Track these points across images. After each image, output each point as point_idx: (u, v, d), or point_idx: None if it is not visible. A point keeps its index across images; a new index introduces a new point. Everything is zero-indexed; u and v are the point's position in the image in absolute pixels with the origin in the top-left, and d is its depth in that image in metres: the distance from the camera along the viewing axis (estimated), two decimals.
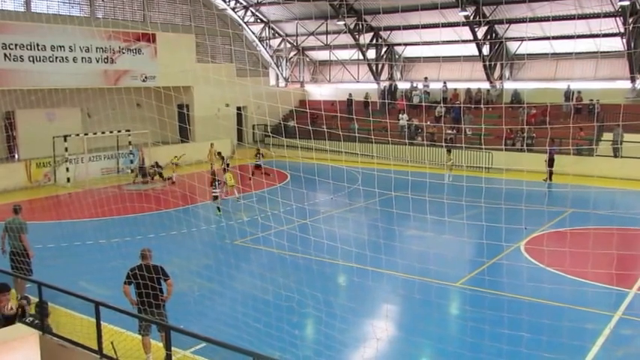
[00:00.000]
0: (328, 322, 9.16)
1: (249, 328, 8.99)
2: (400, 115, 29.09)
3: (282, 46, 36.15)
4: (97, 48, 24.50)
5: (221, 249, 14.13)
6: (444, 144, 24.77)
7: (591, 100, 26.08)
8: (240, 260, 13.31)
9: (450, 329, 9.63)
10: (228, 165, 18.18)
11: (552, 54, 27.36)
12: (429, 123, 28.89)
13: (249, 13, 34.18)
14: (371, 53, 33.24)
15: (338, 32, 32.14)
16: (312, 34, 33.86)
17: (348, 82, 35.19)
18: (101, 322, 6.62)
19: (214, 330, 8.98)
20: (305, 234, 13.05)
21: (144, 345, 8.18)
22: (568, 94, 26.72)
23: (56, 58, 23.35)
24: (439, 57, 30.36)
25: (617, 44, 25.04)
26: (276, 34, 35.61)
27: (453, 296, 11.16)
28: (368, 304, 10.63)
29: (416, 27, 28.98)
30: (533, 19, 25.54)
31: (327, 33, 32.79)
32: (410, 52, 32.87)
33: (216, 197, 17.26)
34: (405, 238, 15.03)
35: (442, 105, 28.82)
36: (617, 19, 24.21)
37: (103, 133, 24.08)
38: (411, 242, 14.41)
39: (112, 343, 6.81)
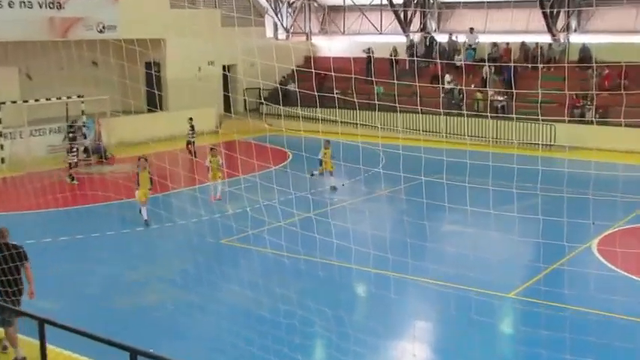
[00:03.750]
0: (340, 346, 9.22)
1: (237, 352, 9.06)
2: (445, 77, 28.89)
3: None
4: None
5: (202, 250, 14.22)
6: (489, 114, 24.62)
7: None
8: (226, 265, 13.41)
9: (499, 355, 9.68)
10: (212, 149, 18.06)
11: None
12: (473, 87, 28.71)
13: None
14: None
15: None
16: None
17: (367, 34, 34.96)
18: (46, 344, 6.63)
19: (193, 355, 9.05)
20: (309, 231, 12.99)
21: (9, 338, 8.75)
22: None
23: None
24: (484, 1, 30.05)
25: None
26: None
27: (502, 312, 11.19)
28: (391, 323, 10.67)
29: None
30: None
31: None
32: None
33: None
34: (440, 236, 15.05)
35: (489, 64, 28.61)
36: None
37: (48, 99, 23.96)
38: (447, 241, 14.46)
39: None
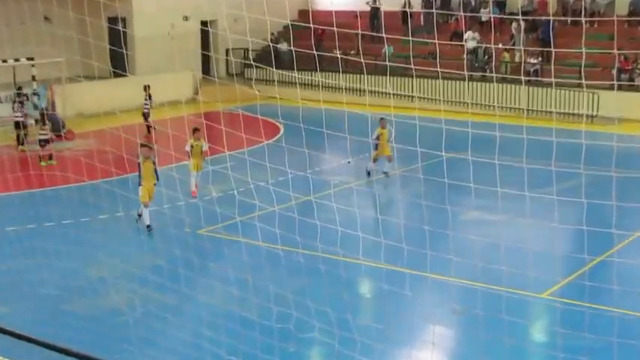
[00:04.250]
0: (344, 354, 9.23)
1: None
2: (468, 34, 28.61)
3: None
4: None
5: (178, 242, 14.09)
6: (522, 78, 24.45)
7: None
8: (207, 259, 13.37)
9: None
10: (195, 130, 17.79)
11: None
12: (501, 46, 28.50)
13: None
14: None
15: None
16: None
17: None
18: None
19: None
20: (308, 217, 12.96)
21: None
22: None
23: None
24: None
25: None
26: None
27: (537, 314, 11.40)
28: (405, 326, 10.72)
29: None
30: None
31: None
32: None
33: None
34: (463, 224, 15.00)
35: (521, 18, 28.35)
36: None
37: None
38: (471, 230, 14.46)
39: None
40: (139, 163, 15.45)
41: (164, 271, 12.51)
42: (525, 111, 23.63)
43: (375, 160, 19.28)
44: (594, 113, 24.95)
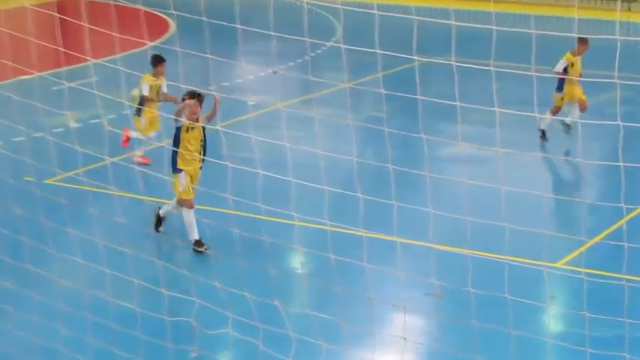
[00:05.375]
0: (271, 358, 9.51)
1: None
2: None
3: None
4: None
5: (18, 196, 13.86)
6: None
7: None
8: (60, 221, 13.10)
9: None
10: (160, 61, 17.08)
11: None
12: None
13: None
14: None
15: None
16: None
17: None
18: None
19: None
20: (213, 156, 13.22)
21: None
22: None
23: None
24: None
25: None
26: None
27: (550, 291, 11.75)
28: (360, 315, 10.97)
29: None
30: None
31: None
32: None
33: None
34: (443, 164, 15.10)
35: None
36: None
37: None
38: (455, 172, 14.61)
39: None
40: (178, 130, 13.97)
41: None
42: None
43: (556, 111, 17.39)
44: None
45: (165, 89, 17.07)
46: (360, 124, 16.92)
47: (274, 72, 19.44)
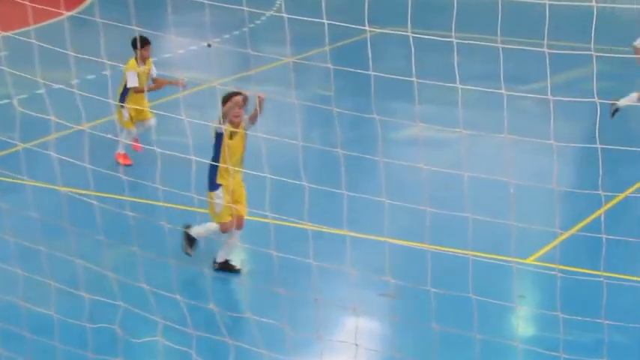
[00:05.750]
0: None
1: None
2: None
3: None
4: None
5: None
6: None
7: None
8: None
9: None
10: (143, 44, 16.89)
11: None
12: None
13: None
14: None
15: None
16: None
17: None
18: None
19: None
20: (140, 140, 12.74)
21: None
22: None
23: None
24: None
25: None
26: None
27: (518, 287, 11.88)
28: (305, 320, 11.07)
29: None
30: None
31: None
32: None
33: None
34: (398, 147, 15.07)
35: None
36: None
37: None
38: (412, 157, 14.74)
39: None
40: (218, 136, 13.51)
41: None
42: None
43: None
44: None
45: (155, 73, 17.02)
46: (305, 104, 16.89)
47: (208, 45, 19.38)
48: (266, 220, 11.78)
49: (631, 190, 14.96)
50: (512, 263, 11.73)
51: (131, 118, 16.78)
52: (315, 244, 11.30)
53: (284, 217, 11.60)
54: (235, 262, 13.71)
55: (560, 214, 13.58)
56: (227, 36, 20.01)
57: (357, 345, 9.51)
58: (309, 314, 11.22)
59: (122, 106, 16.57)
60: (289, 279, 11.49)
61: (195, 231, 13.66)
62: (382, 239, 11.89)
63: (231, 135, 13.50)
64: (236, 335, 10.08)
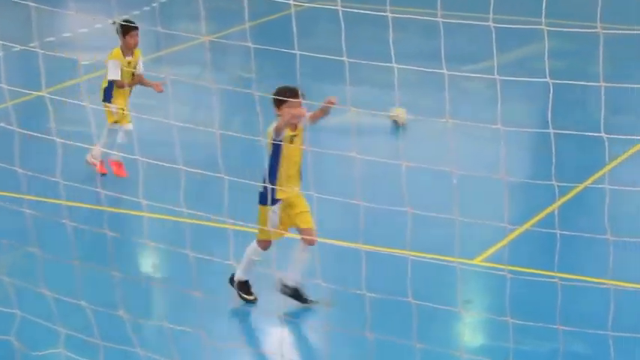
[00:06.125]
0: None
1: None
2: None
3: None
4: None
5: None
6: None
7: None
8: None
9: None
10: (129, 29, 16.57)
11: None
12: None
13: None
14: None
15: None
16: None
17: None
18: None
19: None
20: (32, 126, 13.18)
21: None
22: None
23: None
24: None
25: None
26: None
27: (464, 291, 11.91)
28: (230, 323, 11.39)
29: None
30: None
31: None
32: None
33: None
34: (333, 139, 15.37)
35: None
36: None
37: None
38: (340, 144, 14.51)
39: None
40: (278, 145, 12.92)
41: None
42: None
43: None
44: None
45: (142, 69, 16.52)
46: (223, 88, 16.88)
47: (113, 23, 19.31)
48: (181, 219, 11.76)
49: (591, 180, 15.08)
50: (457, 264, 11.68)
51: (122, 110, 15.94)
52: (236, 245, 11.36)
53: (202, 215, 11.63)
54: (296, 285, 12.71)
55: (511, 208, 13.63)
56: (137, 12, 19.92)
57: (282, 356, 9.64)
58: (230, 322, 11.30)
59: (108, 103, 16.02)
60: (207, 283, 11.41)
61: (242, 271, 12.94)
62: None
63: (292, 139, 12.92)
64: (148, 345, 10.09)
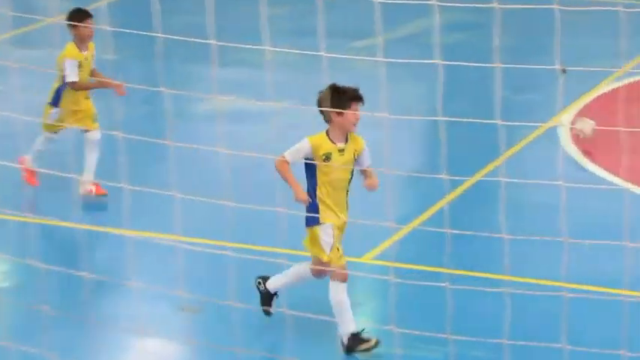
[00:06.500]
0: None
1: None
2: None
3: None
4: None
5: None
6: None
7: None
8: None
9: None
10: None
11: None
12: None
13: None
14: None
15: None
16: None
17: None
18: None
19: None
20: None
21: None
22: None
23: None
24: None
25: None
26: None
27: (351, 292, 11.84)
28: (83, 338, 11.23)
29: None
30: None
31: None
32: None
33: None
34: (199, 128, 15.18)
35: None
36: None
37: None
38: (212, 139, 14.65)
39: None
40: (310, 164, 11.92)
41: None
42: None
43: None
44: None
45: (93, 64, 15.59)
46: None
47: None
48: (25, 219, 11.79)
49: (484, 171, 15.25)
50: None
51: (61, 121, 15.10)
52: (94, 249, 11.42)
53: (50, 216, 11.60)
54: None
55: (401, 202, 13.71)
56: None
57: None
58: (83, 338, 11.22)
59: (53, 106, 15.27)
60: (57, 293, 11.46)
61: (275, 283, 12.14)
62: (175, 238, 11.95)
63: (342, 150, 11.83)
64: None
